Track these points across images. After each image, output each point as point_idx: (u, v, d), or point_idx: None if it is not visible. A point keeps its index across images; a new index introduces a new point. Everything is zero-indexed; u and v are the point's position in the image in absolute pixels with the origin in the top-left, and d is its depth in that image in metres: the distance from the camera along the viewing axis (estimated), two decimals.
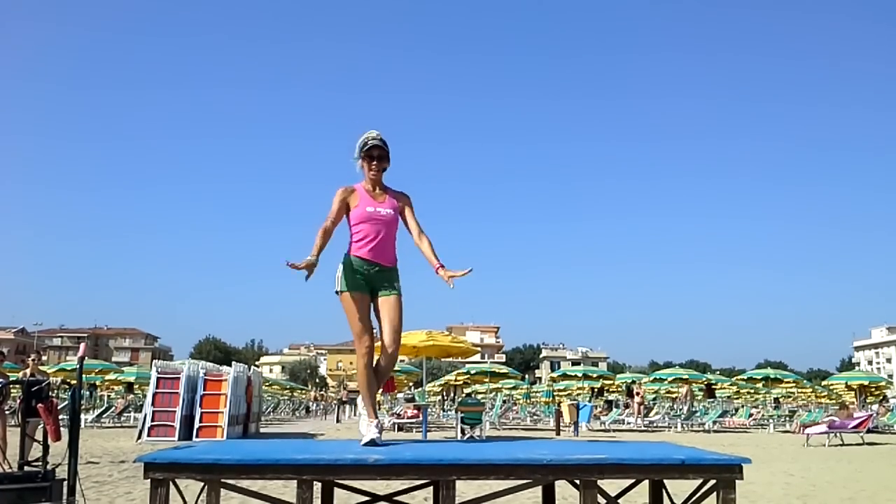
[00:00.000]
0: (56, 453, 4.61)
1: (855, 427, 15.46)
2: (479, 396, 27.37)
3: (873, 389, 28.05)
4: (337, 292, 3.81)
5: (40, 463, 4.49)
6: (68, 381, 8.01)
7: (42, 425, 4.82)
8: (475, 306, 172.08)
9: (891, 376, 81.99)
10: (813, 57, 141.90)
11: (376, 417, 3.77)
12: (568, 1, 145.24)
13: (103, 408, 22.56)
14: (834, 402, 32.82)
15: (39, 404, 4.69)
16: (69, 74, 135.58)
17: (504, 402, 29.38)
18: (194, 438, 14.14)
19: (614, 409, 25.57)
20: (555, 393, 30.55)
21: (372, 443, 3.56)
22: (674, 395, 32.59)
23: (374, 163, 3.86)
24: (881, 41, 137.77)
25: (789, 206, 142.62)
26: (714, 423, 22.45)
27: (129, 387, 28.24)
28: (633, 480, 3.43)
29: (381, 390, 4.03)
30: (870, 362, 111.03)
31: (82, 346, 5.40)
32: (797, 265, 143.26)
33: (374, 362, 3.89)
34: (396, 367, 24.27)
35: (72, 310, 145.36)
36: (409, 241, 4.00)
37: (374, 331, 3.87)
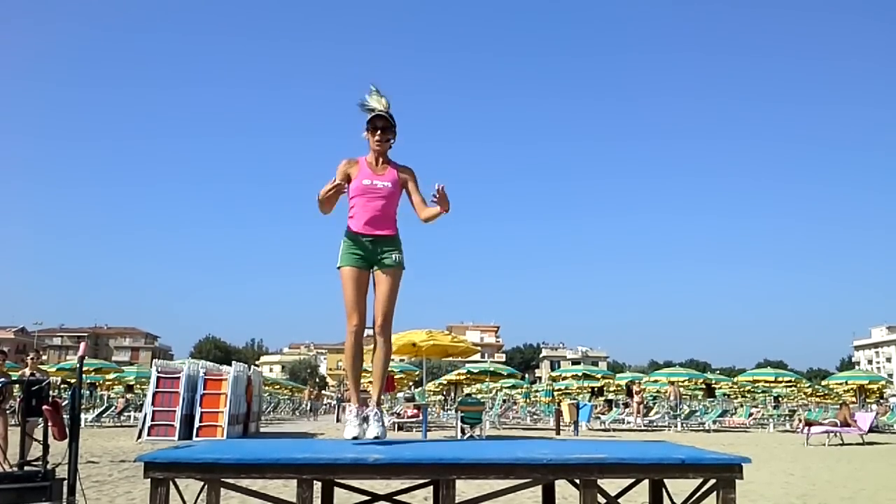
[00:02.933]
0: (56, 453, 4.61)
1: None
2: (479, 396, 27.38)
3: (873, 389, 28.07)
4: (337, 268, 3.78)
5: (40, 462, 4.49)
6: (68, 380, 8.02)
7: (42, 425, 4.81)
8: (475, 306, 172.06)
9: (891, 376, 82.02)
10: (813, 56, 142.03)
11: (358, 403, 3.67)
12: (567, 1, 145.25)
13: (103, 407, 22.56)
14: (834, 401, 32.83)
15: (45, 405, 4.68)
16: (69, 73, 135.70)
17: (504, 401, 29.38)
18: (194, 438, 14.13)
19: (614, 409, 25.58)
20: (555, 392, 30.56)
21: (355, 438, 3.48)
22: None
23: (379, 133, 3.79)
24: (882, 40, 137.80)
25: (789, 205, 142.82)
26: (714, 422, 22.45)
27: (129, 386, 28.29)
28: (633, 480, 3.43)
29: (383, 391, 3.91)
30: (870, 362, 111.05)
31: (82, 345, 5.40)
32: (797, 264, 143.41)
33: (374, 350, 3.81)
34: (396, 367, 24.32)
35: (72, 309, 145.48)
36: (414, 218, 3.89)
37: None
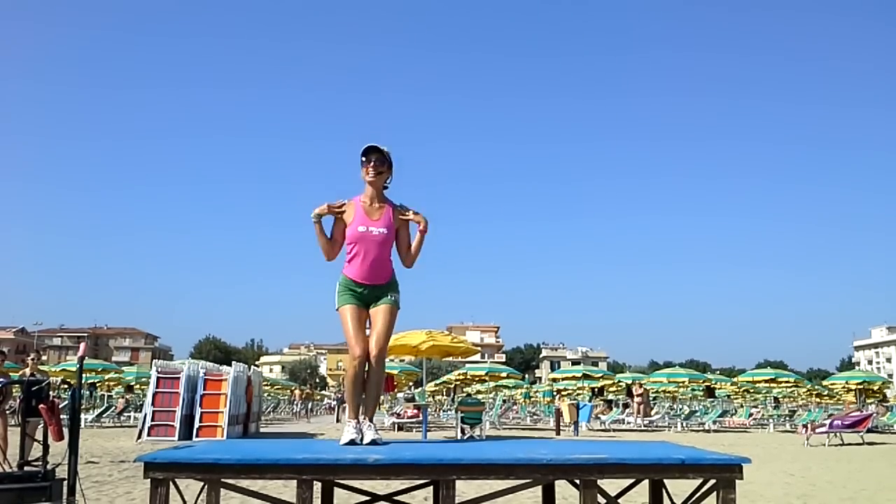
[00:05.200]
0: (56, 453, 4.61)
1: (853, 425, 15.45)
2: (479, 396, 27.38)
3: (873, 389, 28.03)
4: (336, 310, 3.88)
5: (40, 463, 4.49)
6: (68, 380, 8.01)
7: (42, 425, 4.81)
8: (475, 306, 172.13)
9: (891, 376, 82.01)
10: (813, 56, 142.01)
11: (356, 419, 3.76)
12: (567, 1, 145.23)
13: (103, 407, 22.57)
14: (834, 401, 32.79)
15: (41, 405, 4.68)
16: (69, 74, 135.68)
17: (504, 401, 29.38)
18: (194, 438, 14.13)
19: (614, 409, 25.57)
20: (555, 392, 30.56)
21: (351, 442, 3.56)
22: (674, 394, 32.58)
23: (372, 164, 3.79)
24: (882, 40, 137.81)
25: (789, 206, 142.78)
26: (714, 422, 22.46)
27: (129, 387, 28.27)
28: (633, 480, 3.43)
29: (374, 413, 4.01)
30: (870, 362, 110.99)
31: (82, 345, 5.40)
32: (797, 265, 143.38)
33: (368, 376, 3.87)
34: (396, 367, 24.30)
35: (72, 309, 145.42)
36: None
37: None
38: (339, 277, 3.89)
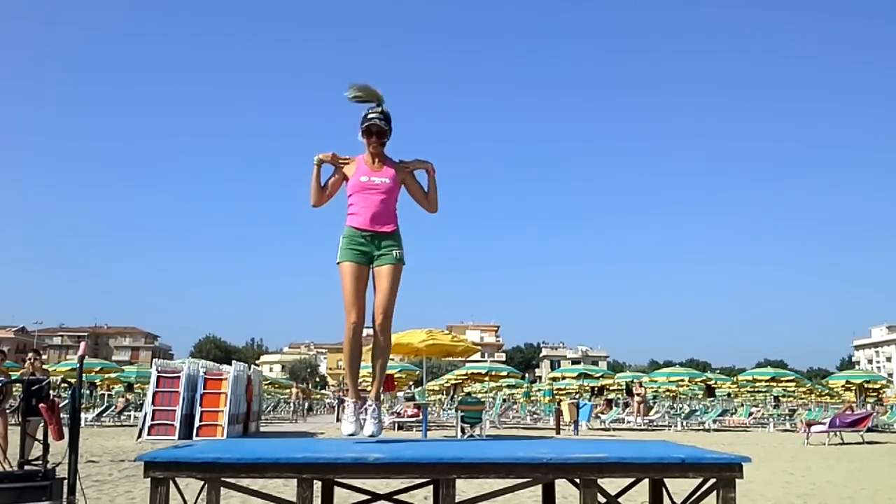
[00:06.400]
0: (56, 452, 4.61)
1: (853, 423, 15.45)
2: (479, 395, 27.38)
3: (873, 388, 28.06)
4: (337, 263, 3.78)
5: (40, 462, 4.49)
6: (68, 379, 8.01)
7: (42, 424, 4.81)
8: (475, 305, 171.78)
9: (891, 375, 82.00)
10: (812, 56, 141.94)
11: (357, 398, 3.69)
12: (566, 1, 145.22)
13: (103, 407, 22.58)
14: (834, 401, 32.83)
15: (41, 404, 4.69)
16: (68, 74, 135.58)
17: (504, 401, 29.39)
18: (194, 437, 14.14)
19: (614, 408, 25.57)
20: (555, 392, 30.57)
21: (353, 434, 3.51)
22: (673, 394, 32.58)
23: (374, 138, 3.82)
24: (882, 40, 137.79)
25: (789, 205, 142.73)
26: (714, 421, 22.46)
27: (129, 386, 28.30)
28: (632, 479, 3.43)
29: (382, 387, 3.94)
30: (870, 361, 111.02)
31: (82, 345, 5.40)
32: (797, 264, 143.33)
33: (373, 347, 3.83)
34: (396, 367, 24.30)
35: (72, 309, 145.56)
36: (415, 216, 3.95)
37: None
38: (344, 231, 3.80)
